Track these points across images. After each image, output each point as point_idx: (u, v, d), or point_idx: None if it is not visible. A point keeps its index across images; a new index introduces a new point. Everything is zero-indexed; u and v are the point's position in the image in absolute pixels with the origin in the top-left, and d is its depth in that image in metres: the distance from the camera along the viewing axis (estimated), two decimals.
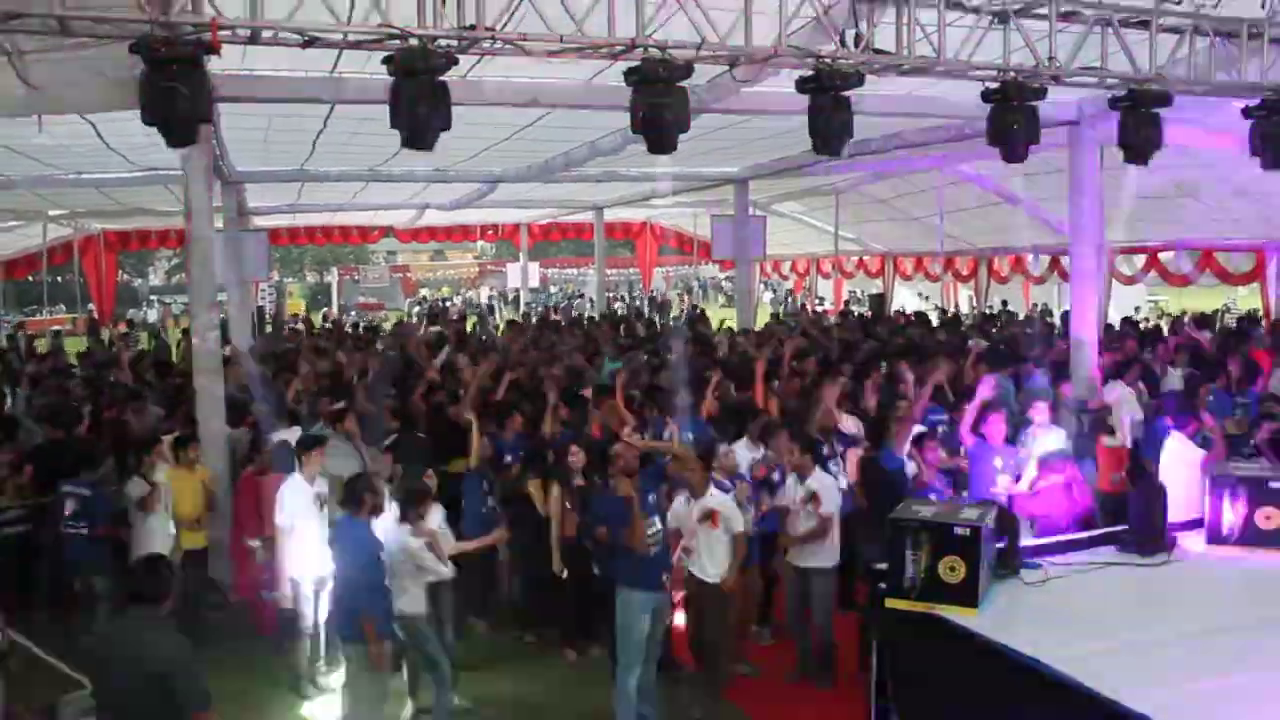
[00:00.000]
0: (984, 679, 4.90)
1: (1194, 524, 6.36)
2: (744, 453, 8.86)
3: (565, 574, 8.52)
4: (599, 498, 7.65)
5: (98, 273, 26.45)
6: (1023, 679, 4.61)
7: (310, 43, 6.19)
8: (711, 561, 7.50)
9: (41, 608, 9.48)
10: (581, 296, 47.19)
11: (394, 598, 6.94)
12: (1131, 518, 6.24)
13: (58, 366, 16.12)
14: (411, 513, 7.19)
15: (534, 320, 23.94)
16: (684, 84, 6.90)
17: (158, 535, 8.41)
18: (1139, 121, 8.23)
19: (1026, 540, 6.52)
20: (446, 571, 7.31)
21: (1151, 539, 6.08)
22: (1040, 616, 5.18)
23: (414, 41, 6.22)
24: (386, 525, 7.12)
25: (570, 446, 8.71)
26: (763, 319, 23.24)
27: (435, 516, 7.53)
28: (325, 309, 43.79)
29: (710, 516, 7.45)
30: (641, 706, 7.14)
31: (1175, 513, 6.32)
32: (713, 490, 7.64)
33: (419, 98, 6.27)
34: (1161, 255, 19.61)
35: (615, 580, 7.19)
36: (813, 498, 7.99)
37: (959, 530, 5.20)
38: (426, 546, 7.18)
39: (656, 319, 26.84)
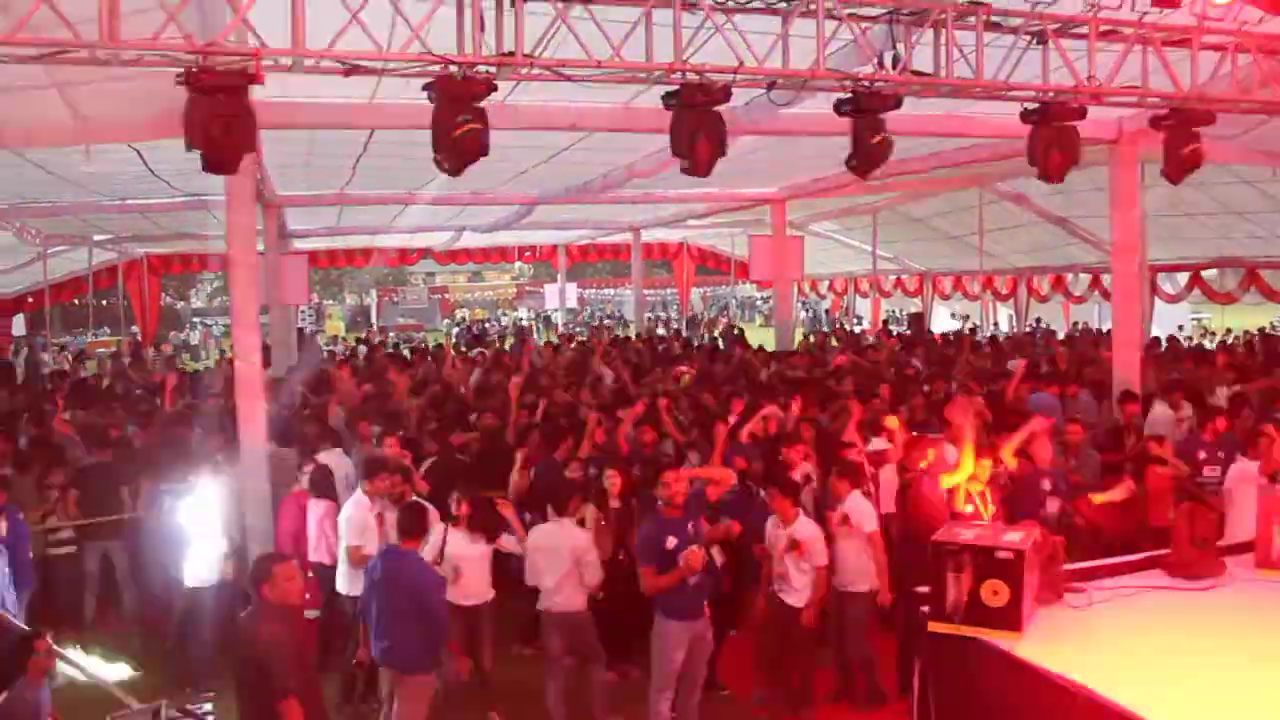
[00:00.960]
0: (1027, 704, 4.84)
1: (1249, 546, 6.25)
2: None
3: (601, 595, 8.49)
4: (640, 528, 7.62)
5: (141, 296, 26.89)
6: (1067, 705, 4.55)
7: (351, 71, 6.27)
8: (794, 588, 7.53)
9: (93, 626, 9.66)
10: (612, 317, 47.35)
11: (550, 597, 7.38)
12: (1176, 541, 6.14)
13: (117, 387, 16.29)
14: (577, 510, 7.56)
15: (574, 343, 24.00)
16: (720, 107, 6.92)
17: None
18: (1181, 140, 8.15)
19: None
20: (597, 577, 7.50)
21: (1197, 563, 5.97)
22: (1084, 641, 5.10)
23: (453, 69, 6.28)
24: (550, 527, 7.57)
25: (606, 470, 8.69)
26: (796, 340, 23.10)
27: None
28: (368, 330, 44.17)
29: (796, 546, 7.47)
30: None
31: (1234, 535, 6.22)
32: (802, 520, 7.65)
33: (459, 124, 6.32)
34: (1205, 273, 19.33)
35: (653, 607, 7.16)
36: (844, 520, 7.95)
37: (1002, 553, 5.15)
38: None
39: (693, 339, 26.84)
